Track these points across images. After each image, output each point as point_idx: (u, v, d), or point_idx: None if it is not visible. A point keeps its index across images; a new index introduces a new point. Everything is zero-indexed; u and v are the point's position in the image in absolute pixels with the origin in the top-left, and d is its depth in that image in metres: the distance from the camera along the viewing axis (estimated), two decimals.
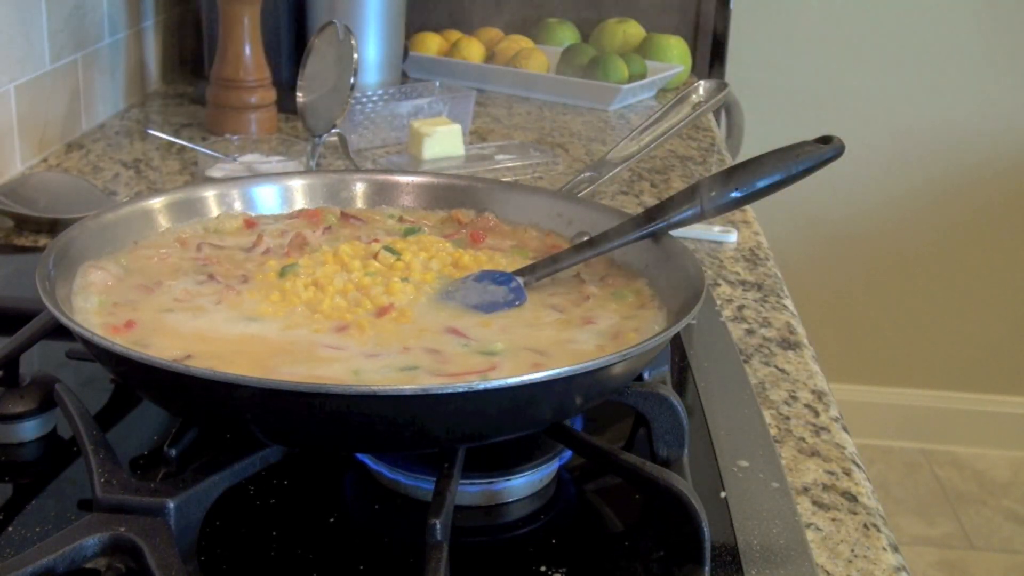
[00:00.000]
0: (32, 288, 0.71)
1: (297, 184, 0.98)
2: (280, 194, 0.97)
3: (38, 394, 0.78)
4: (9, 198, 1.19)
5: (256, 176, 1.13)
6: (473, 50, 1.97)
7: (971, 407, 2.78)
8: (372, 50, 1.67)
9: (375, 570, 0.66)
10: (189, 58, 1.93)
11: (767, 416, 0.86)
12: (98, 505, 0.62)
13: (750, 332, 1.02)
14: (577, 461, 0.76)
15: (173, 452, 0.70)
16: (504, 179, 1.37)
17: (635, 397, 0.77)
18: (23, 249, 1.14)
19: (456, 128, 1.46)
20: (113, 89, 1.65)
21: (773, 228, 1.49)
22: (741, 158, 1.19)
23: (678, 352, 0.93)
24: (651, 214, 0.85)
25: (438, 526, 0.61)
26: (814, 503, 0.75)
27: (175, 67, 1.91)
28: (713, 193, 0.83)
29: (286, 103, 1.52)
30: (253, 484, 0.72)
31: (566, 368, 0.64)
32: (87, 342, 0.67)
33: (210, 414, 0.68)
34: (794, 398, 0.90)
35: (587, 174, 0.99)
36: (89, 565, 0.61)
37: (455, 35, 2.02)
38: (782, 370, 0.95)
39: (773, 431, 0.84)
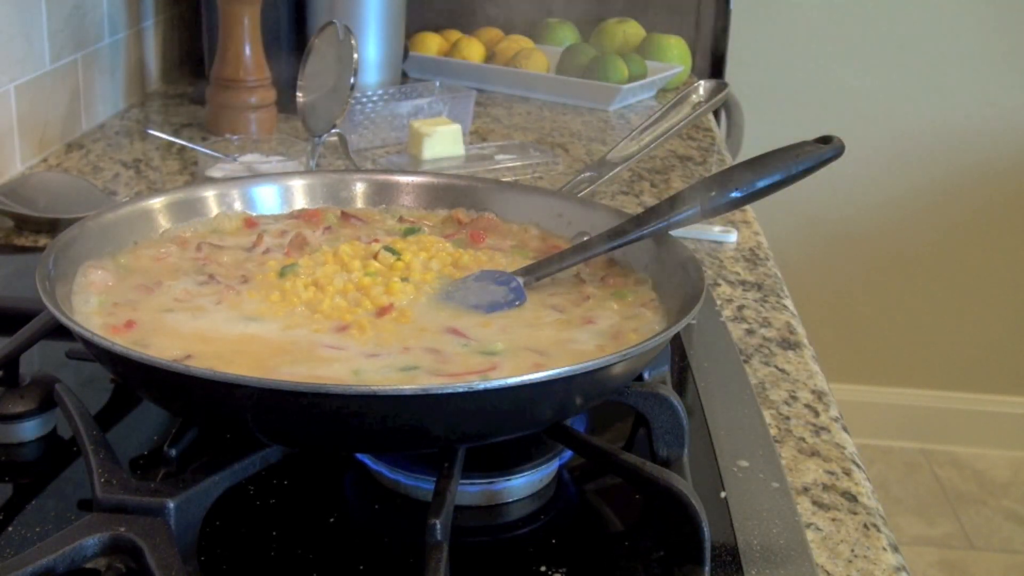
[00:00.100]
0: (32, 288, 0.72)
1: (297, 184, 0.98)
2: (280, 194, 0.97)
3: (38, 394, 0.78)
4: (9, 198, 1.19)
5: (256, 176, 1.13)
6: (473, 50, 1.97)
7: (971, 407, 2.78)
8: (372, 50, 1.67)
9: (375, 570, 0.66)
10: (189, 58, 1.93)
11: (767, 416, 0.86)
12: (98, 505, 0.62)
13: (750, 332, 1.02)
14: (577, 461, 0.76)
15: (173, 452, 0.70)
16: (504, 179, 1.37)
17: (635, 397, 0.77)
18: (23, 249, 1.14)
19: (456, 128, 1.46)
20: (113, 89, 1.65)
21: (773, 228, 1.49)
22: (741, 158, 1.19)
23: (678, 352, 0.93)
24: (651, 214, 0.85)
25: (438, 526, 0.61)
26: (814, 503, 0.75)
27: (175, 67, 1.91)
28: (713, 193, 0.83)
29: (286, 103, 1.52)
30: (253, 484, 0.72)
31: (566, 368, 0.64)
32: (87, 342, 0.67)
33: (210, 414, 0.68)
34: (794, 398, 0.90)
35: (587, 174, 0.99)
36: (89, 565, 0.61)
37: (455, 35, 2.02)
38: (782, 370, 0.95)
39: (773, 431, 0.84)
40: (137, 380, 0.69)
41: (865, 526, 0.73)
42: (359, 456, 0.74)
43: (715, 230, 1.24)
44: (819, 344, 1.09)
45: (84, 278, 0.81)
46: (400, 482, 0.72)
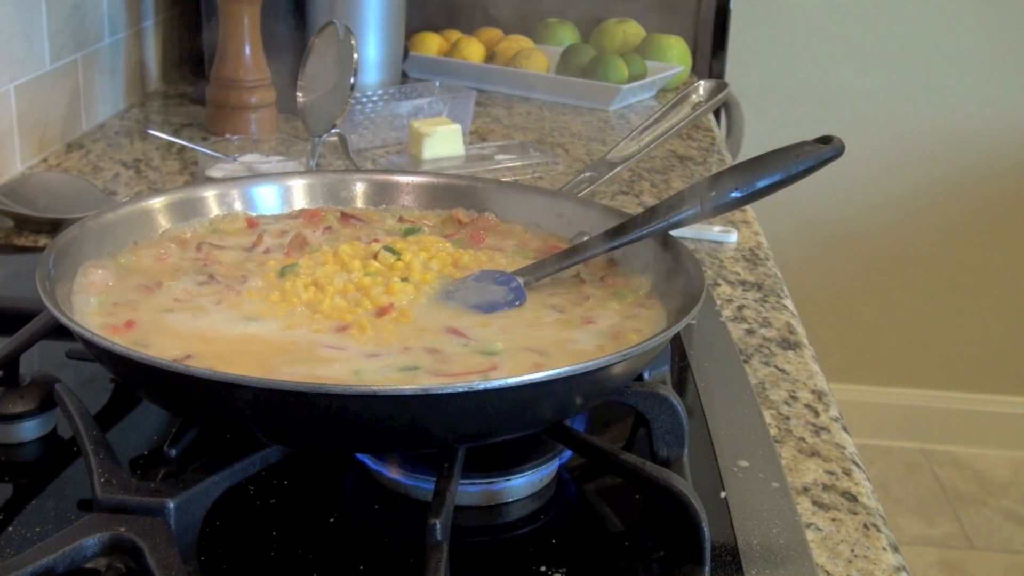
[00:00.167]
0: (32, 288, 0.72)
1: (297, 184, 0.98)
2: (280, 194, 0.97)
3: (38, 394, 0.78)
4: (9, 198, 1.19)
5: (256, 176, 1.13)
6: (473, 50, 1.97)
7: (971, 407, 2.78)
8: (372, 50, 1.67)
9: (375, 570, 0.66)
10: (189, 58, 1.93)
11: (767, 416, 0.86)
12: (98, 505, 0.62)
13: (750, 332, 1.02)
14: (577, 461, 0.76)
15: (173, 452, 0.70)
16: (504, 179, 1.37)
17: (635, 397, 0.77)
18: (23, 249, 1.14)
19: (456, 128, 1.46)
20: (113, 89, 1.65)
21: (773, 228, 1.49)
22: (741, 158, 1.19)
23: (678, 352, 0.93)
24: (651, 214, 0.85)
25: (438, 526, 0.61)
26: (814, 503, 0.75)
27: (175, 67, 1.91)
28: (713, 193, 0.82)
29: (286, 103, 1.52)
30: (253, 484, 0.72)
31: (566, 368, 0.64)
32: (87, 342, 0.67)
33: (210, 414, 0.68)
34: (794, 398, 0.90)
35: (587, 174, 0.99)
36: (89, 565, 0.61)
37: (455, 35, 2.02)
38: (782, 370, 0.95)
39: (773, 431, 0.84)
40: (137, 380, 0.69)
41: (865, 526, 0.73)
42: (359, 456, 0.74)
43: (715, 230, 1.24)
44: (819, 344, 1.09)
45: (84, 278, 0.81)
46: (400, 482, 0.72)
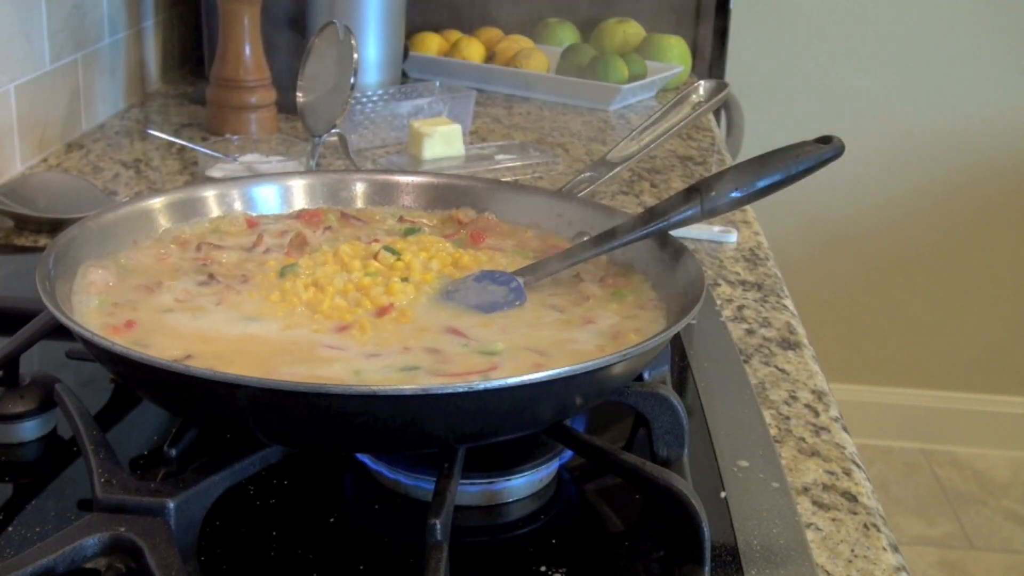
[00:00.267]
0: (32, 288, 0.72)
1: (297, 184, 0.98)
2: (280, 194, 0.97)
3: (38, 394, 0.78)
4: (9, 198, 1.19)
5: (256, 176, 1.13)
6: (473, 50, 1.97)
7: (971, 407, 2.78)
8: (372, 50, 1.67)
9: (375, 570, 0.66)
10: (189, 58, 1.93)
11: (767, 416, 0.86)
12: (98, 505, 0.62)
13: (750, 332, 1.02)
14: (577, 461, 0.76)
15: (173, 452, 0.70)
16: (504, 179, 1.37)
17: (635, 397, 0.77)
18: (23, 249, 1.14)
19: (456, 128, 1.46)
20: (113, 89, 1.65)
21: (773, 228, 1.49)
22: (741, 158, 1.19)
23: (678, 352, 0.93)
24: (651, 214, 0.85)
25: (438, 526, 0.61)
26: (814, 503, 0.75)
27: (175, 67, 1.91)
28: (713, 193, 0.82)
29: (286, 103, 1.52)
30: (253, 484, 0.72)
31: (566, 368, 0.64)
32: (87, 342, 0.67)
33: (210, 414, 0.68)
34: (794, 398, 0.90)
35: (587, 174, 0.99)
36: (89, 565, 0.61)
37: (455, 35, 2.02)
38: (782, 370, 0.95)
39: (773, 431, 0.84)
40: (137, 380, 0.69)
41: (865, 526, 0.73)
42: (359, 456, 0.74)
43: (715, 230, 1.24)
44: (819, 344, 1.09)
45: (84, 278, 0.81)
46: (400, 482, 0.72)
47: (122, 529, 0.60)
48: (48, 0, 1.41)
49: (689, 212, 0.83)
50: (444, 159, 1.44)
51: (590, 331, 0.78)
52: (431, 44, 1.99)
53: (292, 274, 0.83)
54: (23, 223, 1.18)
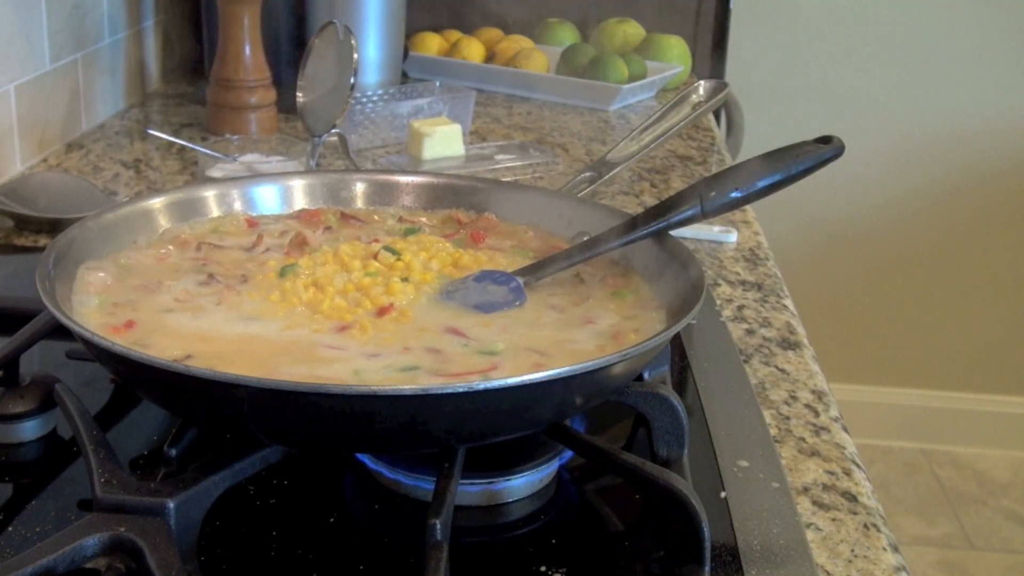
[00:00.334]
0: (32, 288, 0.71)
1: (297, 184, 0.98)
2: (280, 194, 0.97)
3: (38, 394, 0.78)
4: (9, 198, 1.19)
5: (256, 176, 1.13)
6: (473, 50, 1.97)
7: (971, 407, 2.78)
8: (372, 50, 1.67)
9: (375, 570, 0.66)
10: (189, 58, 1.93)
11: (767, 416, 0.86)
12: (98, 505, 0.62)
13: (750, 332, 1.02)
14: (577, 461, 0.76)
15: (173, 452, 0.70)
16: (504, 179, 1.37)
17: (635, 397, 0.77)
18: (23, 249, 1.14)
19: (456, 128, 1.46)
20: (113, 89, 1.65)
21: (773, 228, 1.49)
22: (741, 158, 1.19)
23: (678, 352, 0.93)
24: (651, 214, 0.85)
25: (438, 526, 0.61)
26: (814, 503, 0.75)
27: (175, 67, 1.91)
28: (713, 193, 0.83)
29: (286, 103, 1.52)
30: (253, 484, 0.72)
31: (566, 368, 0.64)
32: (87, 342, 0.67)
33: (210, 414, 0.68)
34: (794, 398, 0.90)
35: (587, 174, 0.99)
36: (89, 565, 0.61)
37: (455, 35, 2.02)
38: (782, 370, 0.95)
39: (773, 431, 0.84)
40: (137, 380, 0.69)
41: (865, 526, 0.73)
42: (359, 456, 0.74)
43: (715, 230, 1.24)
44: (819, 344, 1.09)
45: (84, 278, 0.81)
46: (400, 482, 0.72)
47: (122, 529, 0.60)
48: (48, 0, 1.41)
49: (689, 212, 0.83)
50: (444, 159, 1.44)
51: (590, 331, 0.78)
52: (431, 44, 1.99)
53: (292, 274, 0.83)
54: (23, 223, 1.18)
